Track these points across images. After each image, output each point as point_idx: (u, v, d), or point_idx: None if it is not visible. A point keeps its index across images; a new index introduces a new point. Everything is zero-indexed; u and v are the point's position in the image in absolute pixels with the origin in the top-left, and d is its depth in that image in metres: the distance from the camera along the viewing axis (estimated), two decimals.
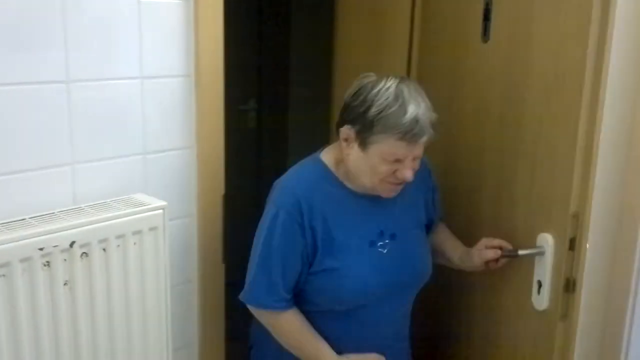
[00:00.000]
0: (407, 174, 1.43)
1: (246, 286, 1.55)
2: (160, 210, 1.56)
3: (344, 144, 1.47)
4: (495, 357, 1.71)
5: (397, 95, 1.37)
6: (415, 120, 1.35)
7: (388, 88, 1.38)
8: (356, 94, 1.43)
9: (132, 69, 1.57)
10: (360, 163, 1.46)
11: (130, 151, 1.61)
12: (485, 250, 1.58)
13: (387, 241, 1.55)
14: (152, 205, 1.55)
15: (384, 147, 1.40)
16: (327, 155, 1.56)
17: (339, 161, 1.53)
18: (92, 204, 1.52)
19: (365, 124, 1.40)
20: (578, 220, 1.42)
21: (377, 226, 1.55)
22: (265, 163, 3.81)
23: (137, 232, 1.51)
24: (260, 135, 3.81)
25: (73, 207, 1.50)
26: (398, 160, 1.41)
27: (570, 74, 1.40)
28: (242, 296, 1.56)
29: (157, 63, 1.61)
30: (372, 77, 1.44)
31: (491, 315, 1.70)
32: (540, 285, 1.51)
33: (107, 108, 1.55)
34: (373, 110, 1.38)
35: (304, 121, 3.59)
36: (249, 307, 1.58)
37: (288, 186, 1.53)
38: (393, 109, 1.36)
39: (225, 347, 1.94)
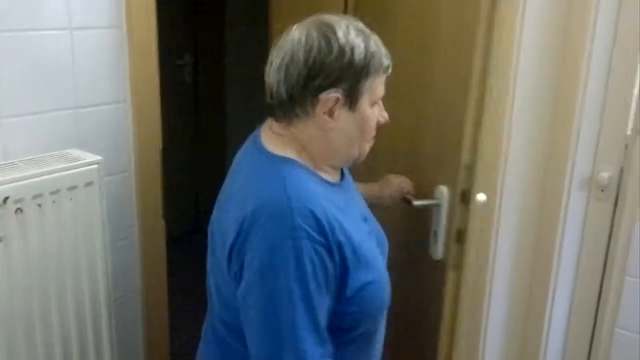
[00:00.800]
0: (386, 113, 1.25)
1: None
2: (96, 165, 1.53)
3: (325, 118, 1.15)
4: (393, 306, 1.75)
5: (362, 32, 1.15)
6: (387, 52, 1.20)
7: (348, 27, 1.14)
8: (323, 50, 1.11)
9: (60, 19, 1.51)
10: (351, 129, 1.18)
11: (61, 105, 1.56)
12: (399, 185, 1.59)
13: (368, 226, 1.30)
14: (86, 160, 1.53)
15: (374, 90, 1.18)
16: (283, 150, 1.18)
17: (300, 151, 1.18)
18: (25, 159, 1.48)
19: (356, 73, 1.14)
20: (470, 172, 1.44)
21: (359, 213, 1.29)
22: (203, 118, 3.76)
23: (73, 188, 1.48)
24: (196, 89, 3.76)
25: (4, 162, 1.46)
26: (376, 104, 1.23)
27: (468, 25, 1.40)
28: None
29: (86, 13, 1.55)
30: (300, 27, 1.15)
31: (395, 266, 1.74)
32: (436, 235, 1.56)
33: (35, 60, 1.49)
34: (358, 54, 1.12)
35: (241, 73, 3.55)
36: None
37: (290, 204, 1.08)
38: (372, 46, 1.15)
39: (168, 301, 1.95)
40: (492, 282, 1.74)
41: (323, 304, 1.11)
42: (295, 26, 1.16)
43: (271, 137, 1.19)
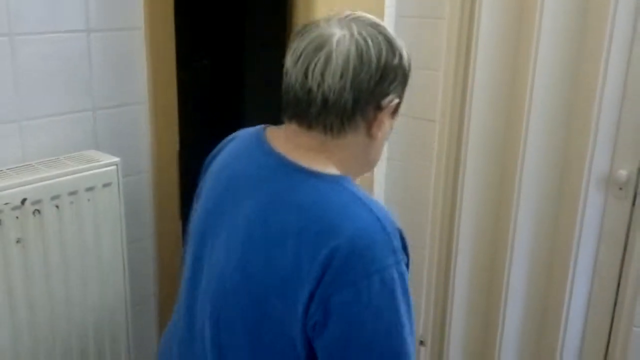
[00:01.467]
0: None
1: None
2: (114, 166, 1.55)
3: (379, 126, 1.03)
4: None
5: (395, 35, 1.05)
6: None
7: (386, 27, 1.03)
8: (389, 54, 1.00)
9: (78, 21, 1.53)
10: (385, 137, 1.07)
11: (79, 107, 1.58)
12: None
13: None
14: (104, 161, 1.54)
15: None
16: (326, 167, 1.02)
17: (338, 165, 1.03)
18: (42, 160, 1.50)
19: (406, 78, 1.05)
20: None
21: None
22: (220, 119, 3.78)
23: (91, 189, 1.50)
24: (214, 91, 3.77)
25: (23, 164, 1.48)
26: None
27: None
28: None
29: (104, 16, 1.57)
30: (340, 24, 0.99)
31: None
32: None
33: (54, 63, 1.51)
34: (407, 58, 1.04)
35: (259, 74, 3.56)
36: None
37: (385, 227, 0.94)
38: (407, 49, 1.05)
39: None
40: (509, 282, 1.73)
41: None
42: (327, 23, 1.00)
43: (301, 152, 1.02)
